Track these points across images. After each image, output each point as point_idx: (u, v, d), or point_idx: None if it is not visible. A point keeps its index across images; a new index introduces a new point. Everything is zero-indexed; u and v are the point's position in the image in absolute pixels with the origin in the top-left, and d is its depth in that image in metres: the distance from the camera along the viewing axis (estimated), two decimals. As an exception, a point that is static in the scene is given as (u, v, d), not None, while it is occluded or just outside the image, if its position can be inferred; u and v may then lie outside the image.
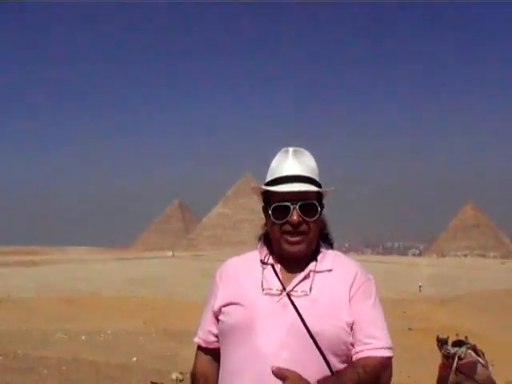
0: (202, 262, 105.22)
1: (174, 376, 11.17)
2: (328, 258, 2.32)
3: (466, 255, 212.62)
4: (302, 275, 2.24)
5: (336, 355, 2.16)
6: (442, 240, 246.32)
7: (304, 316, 2.14)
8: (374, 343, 2.19)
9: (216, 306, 2.31)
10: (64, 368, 11.20)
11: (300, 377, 2.05)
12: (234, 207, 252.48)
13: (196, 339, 2.43)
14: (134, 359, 16.95)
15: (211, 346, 2.37)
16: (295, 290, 2.21)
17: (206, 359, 2.40)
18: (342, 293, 2.22)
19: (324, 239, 2.41)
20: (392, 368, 2.25)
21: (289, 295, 2.19)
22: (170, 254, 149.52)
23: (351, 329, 2.19)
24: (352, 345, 2.20)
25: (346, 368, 2.15)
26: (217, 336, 2.34)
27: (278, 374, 2.04)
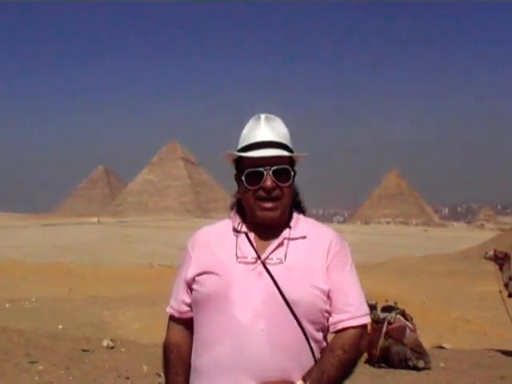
0: (127, 229, 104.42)
1: (105, 343, 11.04)
2: (302, 224, 2.31)
3: (389, 222, 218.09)
4: (276, 243, 2.23)
5: (312, 323, 2.16)
6: (365, 207, 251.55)
7: (280, 284, 2.13)
8: (352, 311, 2.22)
9: (189, 276, 2.28)
10: (-10, 337, 10.94)
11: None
12: (160, 173, 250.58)
13: (168, 309, 2.41)
14: (61, 327, 16.68)
15: (184, 316, 2.35)
16: (270, 257, 2.20)
17: (178, 329, 2.38)
18: (318, 260, 2.22)
19: (296, 206, 2.39)
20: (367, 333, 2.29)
21: (264, 263, 2.18)
22: (95, 220, 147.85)
23: (328, 297, 2.21)
24: (328, 312, 2.22)
25: (324, 353, 2.18)
26: (190, 305, 2.32)
27: None
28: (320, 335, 2.22)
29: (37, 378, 8.26)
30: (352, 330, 2.20)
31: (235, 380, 2.10)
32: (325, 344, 2.26)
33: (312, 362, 2.17)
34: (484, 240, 52.98)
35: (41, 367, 8.89)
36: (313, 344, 2.19)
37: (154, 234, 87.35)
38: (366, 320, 2.26)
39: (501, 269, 11.08)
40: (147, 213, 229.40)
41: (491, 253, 11.28)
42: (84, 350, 10.40)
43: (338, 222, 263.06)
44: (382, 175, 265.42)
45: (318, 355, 2.20)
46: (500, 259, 11.06)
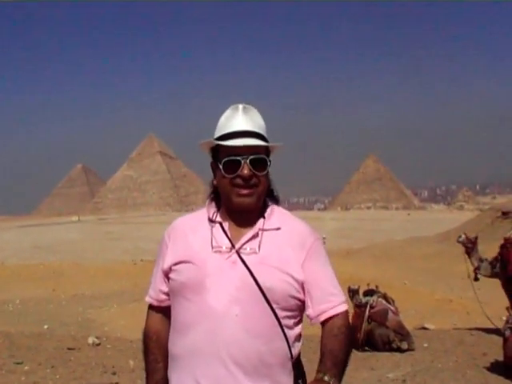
0: (107, 226, 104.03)
1: (90, 340, 11.04)
2: (275, 215, 2.36)
3: (369, 207, 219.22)
4: (250, 234, 2.28)
5: (284, 309, 2.22)
6: (345, 193, 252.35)
7: (254, 272, 2.18)
8: (334, 300, 2.29)
9: (166, 265, 2.33)
10: (-25, 340, 10.90)
11: None
12: (139, 169, 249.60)
13: (147, 299, 2.46)
14: (46, 327, 16.65)
15: (162, 305, 2.41)
16: (244, 247, 2.25)
17: (157, 317, 2.43)
18: (291, 252, 2.27)
19: (270, 196, 2.44)
20: None
21: (238, 252, 2.23)
22: (75, 218, 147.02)
23: (302, 287, 2.26)
24: (300, 301, 2.27)
25: (328, 340, 2.26)
26: (167, 294, 2.37)
27: None
28: (292, 322, 2.27)
29: (23, 379, 8.25)
30: (340, 316, 2.28)
31: (210, 365, 2.15)
32: (297, 331, 2.32)
33: (285, 347, 2.23)
34: (463, 221, 53.46)
35: (26, 367, 8.89)
36: (286, 330, 2.24)
37: (135, 230, 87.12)
38: (346, 306, 2.34)
39: (468, 253, 11.19)
40: (127, 209, 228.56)
41: (464, 236, 11.40)
42: (69, 349, 10.40)
43: (319, 209, 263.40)
44: (360, 161, 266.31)
45: (290, 341, 2.25)
46: (471, 243, 11.18)
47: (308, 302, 2.27)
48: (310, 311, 2.28)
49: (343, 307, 2.30)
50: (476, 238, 11.41)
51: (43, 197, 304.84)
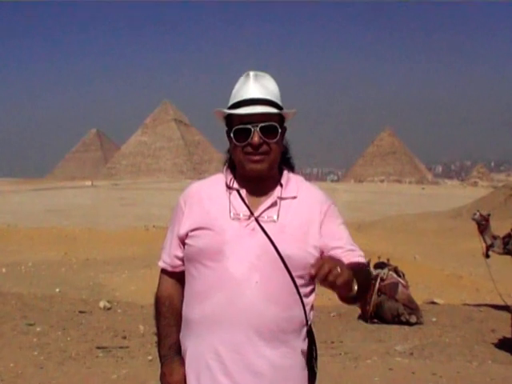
0: (120, 191, 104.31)
1: (101, 304, 11.16)
2: (292, 184, 2.35)
3: (382, 181, 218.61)
4: (269, 202, 2.28)
5: (303, 278, 2.22)
6: (359, 166, 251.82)
7: (274, 240, 2.19)
8: (357, 251, 2.30)
9: (182, 231, 2.32)
10: (-12, 301, 11.04)
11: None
12: (153, 135, 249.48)
13: (161, 264, 2.45)
14: (58, 290, 16.81)
15: (176, 270, 2.40)
16: (262, 215, 2.25)
17: (170, 282, 2.43)
18: (309, 219, 2.27)
19: (286, 163, 2.43)
20: None
21: (257, 220, 2.23)
22: (88, 183, 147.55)
23: (321, 255, 2.25)
24: None
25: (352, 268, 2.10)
26: (182, 260, 2.37)
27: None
28: (308, 290, 2.28)
29: (35, 340, 8.37)
30: (361, 264, 2.27)
31: (229, 331, 2.17)
32: (312, 298, 2.32)
33: (302, 314, 2.25)
34: (477, 198, 53.23)
35: (38, 329, 9.01)
36: (303, 297, 2.25)
37: (148, 196, 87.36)
38: (365, 260, 2.34)
39: (481, 230, 11.14)
40: (141, 175, 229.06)
41: (478, 214, 11.35)
42: (81, 312, 10.52)
43: (332, 180, 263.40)
44: (375, 134, 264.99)
45: (306, 308, 2.27)
46: (485, 220, 11.14)
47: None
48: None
49: (363, 259, 2.30)
50: (489, 215, 11.36)
51: (57, 161, 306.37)
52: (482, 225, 11.10)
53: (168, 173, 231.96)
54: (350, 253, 2.26)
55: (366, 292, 2.24)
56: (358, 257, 2.27)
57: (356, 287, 2.01)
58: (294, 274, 2.19)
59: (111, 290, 18.09)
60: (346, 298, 2.10)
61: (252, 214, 2.24)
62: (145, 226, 44.73)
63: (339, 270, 1.92)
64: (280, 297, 2.17)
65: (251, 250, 2.19)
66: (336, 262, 1.97)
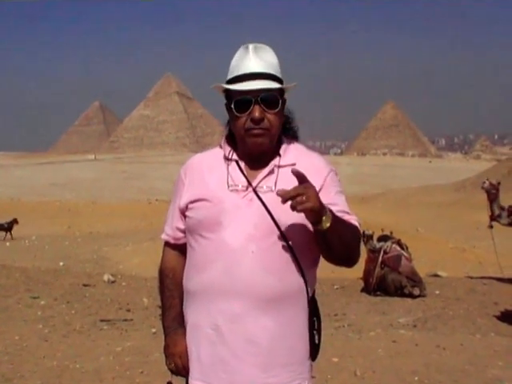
0: (123, 165, 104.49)
1: (105, 278, 11.21)
2: (291, 152, 2.33)
3: (385, 154, 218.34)
4: (266, 170, 2.26)
5: (301, 246, 2.20)
6: (361, 139, 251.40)
7: (271, 209, 2.17)
8: (351, 215, 2.27)
9: (182, 203, 2.33)
10: (-8, 275, 11.09)
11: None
12: (156, 108, 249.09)
13: (164, 236, 2.46)
14: (61, 263, 16.91)
15: (179, 242, 2.41)
16: (260, 185, 2.23)
17: (173, 255, 2.44)
18: None
19: (286, 132, 2.40)
20: None
21: (255, 190, 2.22)
22: (91, 157, 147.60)
23: None
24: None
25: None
26: (184, 232, 2.37)
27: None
28: (308, 259, 2.26)
29: (39, 313, 8.42)
30: (355, 226, 2.25)
31: (226, 301, 2.17)
32: (313, 268, 2.31)
33: (301, 284, 2.23)
34: (480, 171, 53.18)
35: (43, 302, 9.06)
36: (302, 267, 2.23)
37: (151, 170, 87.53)
38: (359, 225, 2.31)
39: (491, 199, 11.09)
40: (143, 148, 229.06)
41: (488, 182, 11.27)
42: (85, 285, 10.57)
43: (335, 154, 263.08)
44: (378, 107, 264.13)
45: (306, 278, 2.25)
46: (495, 189, 11.07)
47: None
48: None
49: (356, 222, 2.26)
50: (499, 183, 11.29)
51: (60, 135, 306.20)
52: (493, 193, 11.04)
53: (171, 146, 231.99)
54: (345, 214, 2.22)
55: (344, 242, 2.14)
56: (351, 219, 2.24)
57: (328, 224, 2.01)
58: (292, 243, 2.18)
59: (115, 263, 18.18)
60: (317, 234, 2.07)
61: (250, 184, 2.23)
62: (148, 200, 44.87)
63: (304, 198, 1.94)
64: (277, 266, 2.16)
65: (248, 220, 2.18)
66: (307, 190, 1.96)
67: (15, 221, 27.11)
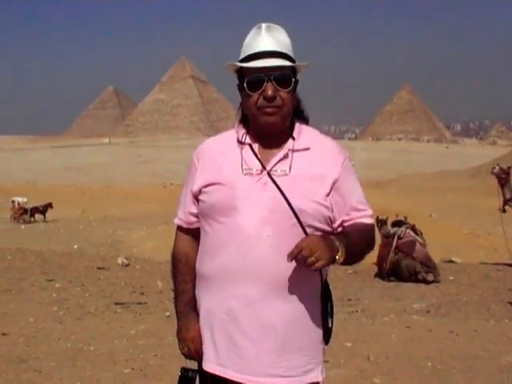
0: (138, 149, 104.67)
1: (119, 261, 11.27)
2: (304, 135, 2.31)
3: (400, 139, 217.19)
4: (281, 154, 2.25)
5: (316, 230, 2.19)
6: (376, 124, 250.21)
7: (285, 193, 2.16)
8: (367, 210, 2.29)
9: (195, 188, 2.31)
10: (9, 257, 11.16)
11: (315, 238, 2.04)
12: (170, 92, 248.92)
13: (176, 220, 2.45)
14: (76, 247, 16.99)
15: (192, 227, 2.39)
16: (274, 169, 2.22)
17: (186, 239, 2.43)
18: (322, 170, 2.24)
19: (299, 116, 2.39)
20: None
21: (269, 174, 2.21)
22: (106, 140, 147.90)
23: (332, 205, 2.23)
24: (330, 220, 2.24)
25: (347, 230, 2.22)
26: (197, 216, 2.36)
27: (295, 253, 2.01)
28: None
29: (54, 295, 8.48)
30: (368, 224, 2.29)
31: (241, 285, 2.16)
32: None
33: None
34: (496, 157, 52.77)
35: (57, 285, 9.12)
36: None
37: (166, 154, 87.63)
38: (372, 220, 2.34)
39: (501, 184, 11.08)
40: (158, 132, 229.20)
41: (498, 167, 11.26)
42: (99, 268, 10.63)
43: (350, 138, 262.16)
44: (394, 92, 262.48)
45: None
46: (505, 174, 11.05)
47: (336, 213, 2.25)
48: (335, 216, 2.25)
49: (369, 220, 2.29)
50: (509, 168, 11.25)
51: (74, 118, 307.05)
52: (503, 178, 11.02)
53: (185, 130, 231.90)
54: (357, 213, 2.24)
55: (359, 255, 2.23)
56: (363, 218, 2.26)
57: (342, 259, 2.05)
58: (306, 227, 2.16)
59: (129, 246, 18.25)
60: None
61: (264, 168, 2.21)
62: (162, 184, 44.95)
63: (314, 258, 1.95)
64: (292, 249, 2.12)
65: (263, 204, 2.16)
66: (313, 248, 1.97)
67: (50, 205, 28.90)
